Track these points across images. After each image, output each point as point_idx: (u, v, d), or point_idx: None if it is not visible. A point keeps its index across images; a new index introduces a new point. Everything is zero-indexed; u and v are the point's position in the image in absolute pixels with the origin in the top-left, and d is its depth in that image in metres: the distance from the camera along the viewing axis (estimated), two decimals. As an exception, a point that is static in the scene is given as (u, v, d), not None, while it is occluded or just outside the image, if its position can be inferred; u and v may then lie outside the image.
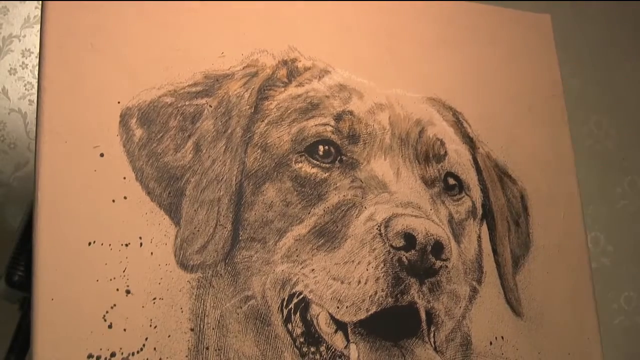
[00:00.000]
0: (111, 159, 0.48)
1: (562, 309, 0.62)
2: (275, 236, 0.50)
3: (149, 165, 0.48)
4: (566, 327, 0.61)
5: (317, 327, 0.50)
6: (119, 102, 0.49)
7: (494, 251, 0.60)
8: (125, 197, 0.47)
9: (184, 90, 0.51)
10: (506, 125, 0.65)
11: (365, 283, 0.48)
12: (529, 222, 0.63)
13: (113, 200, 0.47)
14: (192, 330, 0.47)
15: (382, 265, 0.48)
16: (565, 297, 0.62)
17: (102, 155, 0.47)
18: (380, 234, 0.49)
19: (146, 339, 0.45)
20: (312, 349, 0.49)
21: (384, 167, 0.54)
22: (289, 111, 0.53)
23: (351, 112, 0.55)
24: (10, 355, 0.67)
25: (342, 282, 0.49)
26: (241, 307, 0.49)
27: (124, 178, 0.47)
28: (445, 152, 0.58)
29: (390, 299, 0.48)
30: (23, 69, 1.05)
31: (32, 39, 1.06)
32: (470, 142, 0.61)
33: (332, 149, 0.53)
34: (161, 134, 0.49)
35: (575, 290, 0.63)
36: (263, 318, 0.49)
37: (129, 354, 0.44)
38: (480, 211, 0.59)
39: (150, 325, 0.46)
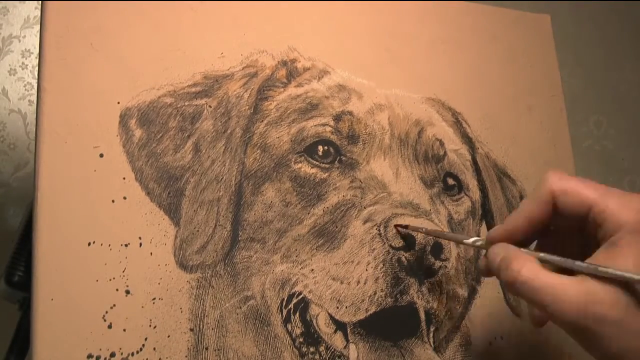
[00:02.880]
0: (111, 159, 0.48)
1: (562, 309, 0.62)
2: (275, 236, 0.50)
3: (148, 166, 0.48)
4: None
5: (316, 327, 0.50)
6: (118, 103, 0.49)
7: (494, 251, 0.59)
8: (124, 198, 0.47)
9: (183, 91, 0.51)
10: (506, 125, 0.65)
11: (365, 283, 0.48)
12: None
13: (113, 201, 0.47)
14: (191, 330, 0.47)
15: (381, 265, 0.48)
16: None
17: (101, 155, 0.47)
18: (380, 234, 0.49)
19: (146, 339, 0.45)
20: (312, 349, 0.50)
21: (384, 168, 0.54)
22: (288, 111, 0.53)
23: (350, 113, 0.55)
24: (10, 355, 0.67)
25: (342, 282, 0.49)
26: (240, 307, 0.49)
27: (124, 178, 0.47)
28: (445, 152, 0.58)
29: (389, 299, 0.48)
30: (23, 69, 1.05)
31: (32, 40, 1.06)
32: (469, 143, 0.61)
33: (331, 149, 0.53)
34: (161, 134, 0.49)
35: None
36: (262, 318, 0.49)
37: (128, 354, 0.44)
38: (479, 211, 0.59)
39: (150, 326, 0.46)
